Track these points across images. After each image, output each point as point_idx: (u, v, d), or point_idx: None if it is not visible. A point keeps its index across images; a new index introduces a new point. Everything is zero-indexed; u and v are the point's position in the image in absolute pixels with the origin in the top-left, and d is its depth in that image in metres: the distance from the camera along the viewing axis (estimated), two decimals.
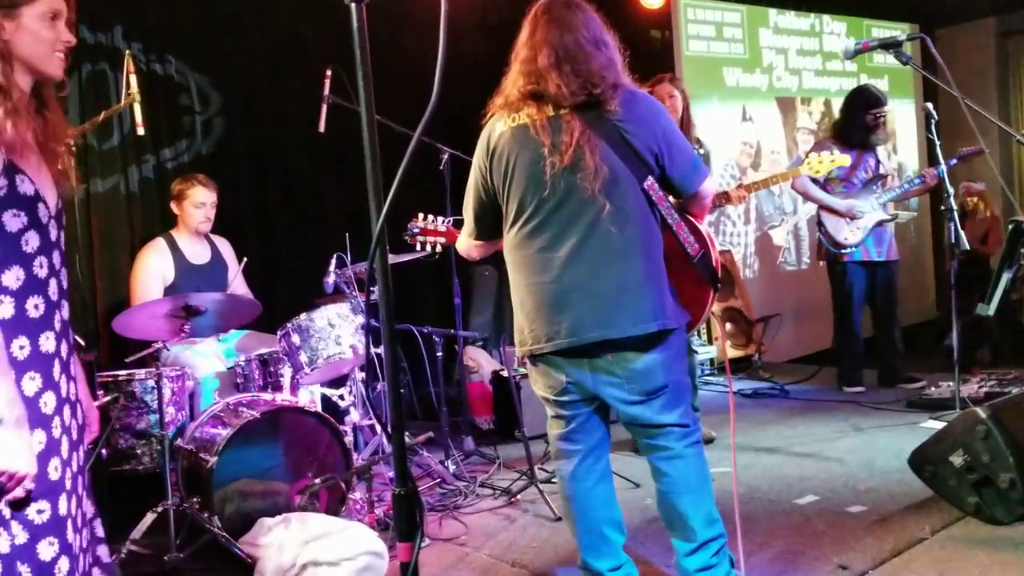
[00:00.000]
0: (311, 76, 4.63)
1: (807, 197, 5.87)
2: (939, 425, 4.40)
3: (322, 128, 4.19)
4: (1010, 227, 3.22)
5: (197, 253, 4.47)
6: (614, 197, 2.47)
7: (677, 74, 6.98)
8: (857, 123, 5.64)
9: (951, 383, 4.89)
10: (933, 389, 5.25)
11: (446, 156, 4.25)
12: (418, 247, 3.21)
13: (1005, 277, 3.16)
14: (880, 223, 5.64)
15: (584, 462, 2.72)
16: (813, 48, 8.10)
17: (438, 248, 3.23)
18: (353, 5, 1.46)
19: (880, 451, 4.36)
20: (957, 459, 3.35)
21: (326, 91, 4.18)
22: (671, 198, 2.64)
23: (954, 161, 5.65)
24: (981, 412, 3.30)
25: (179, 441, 3.62)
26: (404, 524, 1.54)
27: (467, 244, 2.83)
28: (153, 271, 4.32)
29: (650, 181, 2.53)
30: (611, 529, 2.73)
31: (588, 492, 2.72)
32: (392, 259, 4.09)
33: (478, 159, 2.65)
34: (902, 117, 8.89)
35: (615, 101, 2.49)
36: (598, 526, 2.72)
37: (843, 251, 5.64)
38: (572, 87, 2.47)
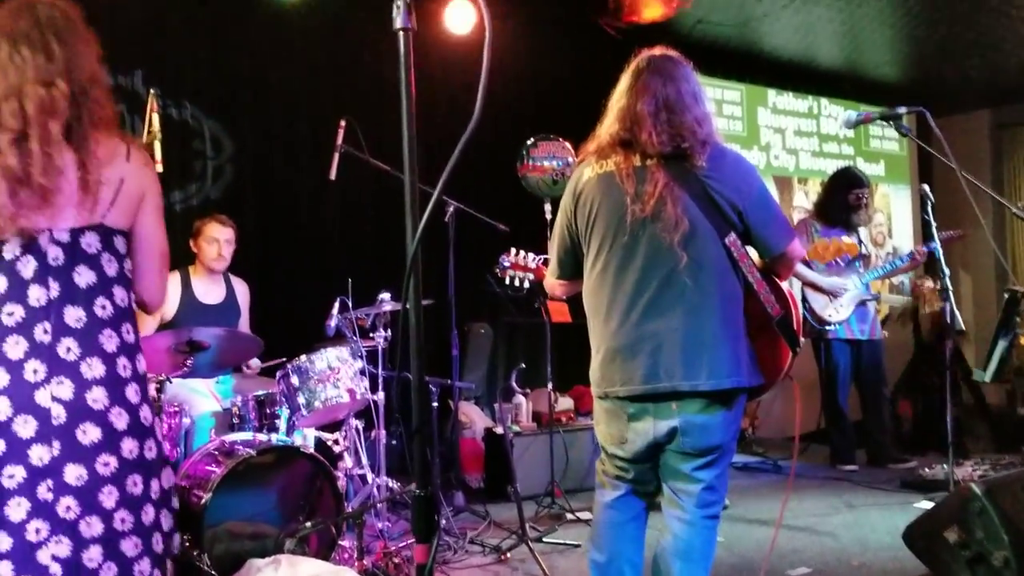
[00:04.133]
0: (321, 125, 4.73)
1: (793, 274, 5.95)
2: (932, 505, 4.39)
3: (333, 176, 4.25)
4: (1006, 296, 3.27)
5: (210, 292, 4.48)
6: (692, 250, 2.46)
7: None
8: (839, 203, 5.77)
9: (945, 464, 4.89)
10: (927, 470, 5.25)
11: (451, 209, 4.31)
12: (506, 280, 3.21)
13: (1001, 344, 3.20)
14: (863, 302, 5.73)
15: (625, 497, 2.68)
16: (811, 129, 8.29)
17: (526, 283, 3.24)
18: (401, 33, 1.52)
19: (873, 528, 4.35)
20: (951, 535, 3.32)
21: (339, 140, 4.25)
22: (755, 257, 2.63)
23: (926, 249, 5.72)
24: (976, 488, 3.29)
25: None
26: (422, 525, 1.54)
27: (551, 282, 2.86)
28: None
29: (732, 237, 2.51)
30: (630, 569, 2.67)
31: (621, 524, 2.68)
32: (394, 306, 4.16)
33: (564, 202, 2.70)
34: (897, 202, 9.05)
35: (703, 156, 2.49)
36: (619, 560, 2.66)
37: (827, 328, 5.71)
38: (662, 137, 2.49)
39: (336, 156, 4.22)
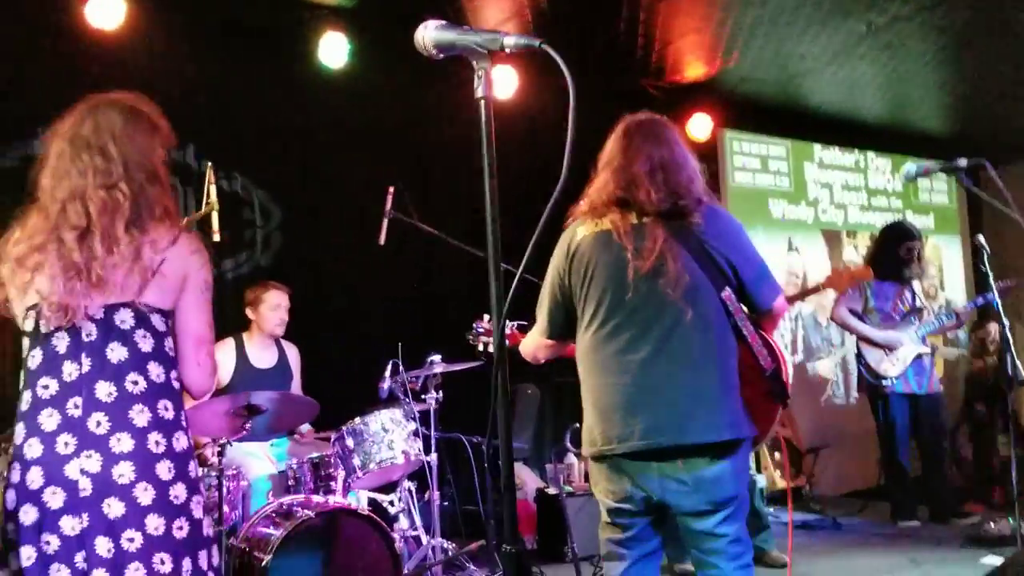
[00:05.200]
0: (367, 191, 4.83)
1: (846, 328, 5.94)
2: (1000, 561, 4.26)
3: (382, 241, 4.33)
4: None
5: (263, 357, 4.57)
6: (695, 304, 2.49)
7: (723, 204, 7.16)
8: (891, 256, 5.72)
9: (1010, 518, 4.75)
10: (991, 525, 5.08)
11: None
12: (480, 347, 3.24)
13: None
14: (919, 355, 5.63)
15: (634, 567, 2.64)
16: (858, 183, 8.24)
17: None
18: (482, 101, 1.57)
19: None
20: None
21: (388, 206, 4.34)
22: (745, 310, 2.66)
23: (980, 301, 5.63)
24: None
25: (232, 540, 3.61)
26: None
27: (535, 344, 2.84)
28: None
29: (728, 292, 2.56)
30: None
31: None
32: (445, 367, 4.19)
33: (557, 261, 2.71)
34: (948, 254, 8.93)
35: (699, 213, 2.56)
36: None
37: (884, 383, 5.62)
38: (660, 195, 2.54)
39: (385, 222, 4.31)
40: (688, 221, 2.54)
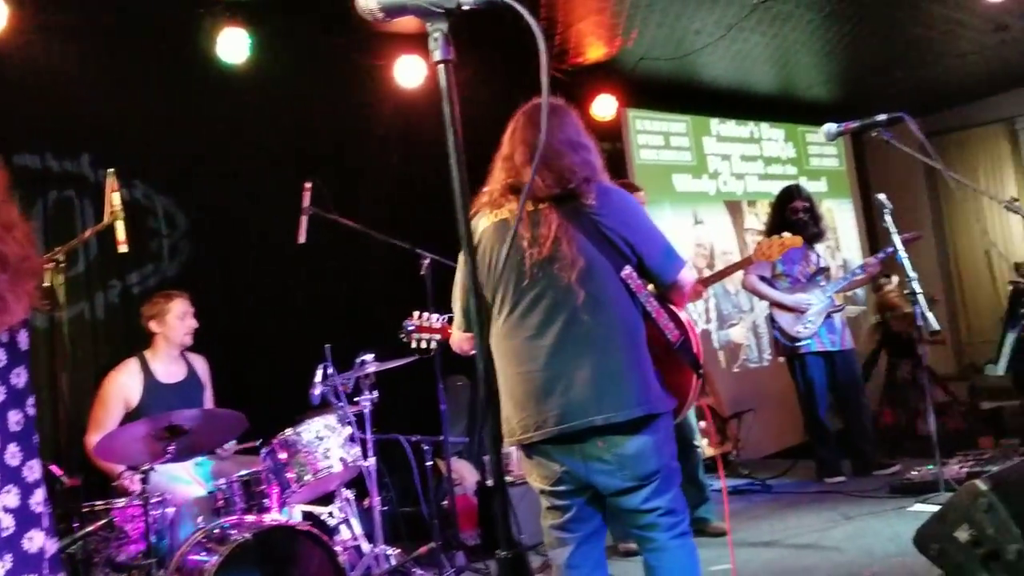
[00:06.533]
0: (277, 191, 4.63)
1: (756, 294, 6.09)
2: (927, 508, 4.39)
3: (302, 239, 4.18)
4: (1010, 288, 3.31)
5: (171, 372, 4.35)
6: (590, 286, 2.53)
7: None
8: (779, 220, 5.87)
9: (931, 466, 4.91)
10: (915, 473, 5.25)
11: (427, 261, 4.23)
12: (413, 344, 3.19)
13: (1010, 337, 3.23)
14: (830, 314, 5.80)
15: (579, 549, 2.66)
16: (754, 154, 8.43)
17: (433, 345, 3.25)
18: (441, 66, 1.47)
19: (876, 536, 4.33)
20: (963, 534, 3.30)
21: (306, 203, 4.18)
22: (651, 287, 2.69)
23: (890, 250, 5.85)
24: (981, 484, 3.29)
25: (161, 572, 3.40)
26: None
27: (459, 337, 2.85)
28: (114, 395, 4.21)
29: (628, 270, 2.59)
30: None
31: None
32: (378, 366, 4.07)
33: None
34: (841, 216, 9.22)
35: (590, 195, 2.58)
36: None
37: (799, 344, 5.77)
38: (548, 181, 2.56)
39: (304, 219, 4.15)
40: (580, 203, 2.57)
